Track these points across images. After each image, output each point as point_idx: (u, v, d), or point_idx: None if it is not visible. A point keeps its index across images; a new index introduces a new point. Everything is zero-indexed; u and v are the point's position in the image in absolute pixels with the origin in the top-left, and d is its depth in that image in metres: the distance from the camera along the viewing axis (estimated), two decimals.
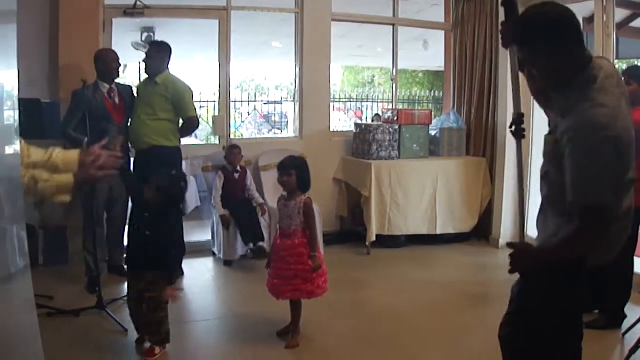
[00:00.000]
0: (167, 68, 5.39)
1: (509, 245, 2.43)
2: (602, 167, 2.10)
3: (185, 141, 5.82)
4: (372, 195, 6.23)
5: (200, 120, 5.74)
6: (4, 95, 2.00)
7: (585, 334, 2.73)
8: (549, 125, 2.44)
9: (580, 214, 2.16)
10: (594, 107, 2.12)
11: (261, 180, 6.41)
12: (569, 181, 2.17)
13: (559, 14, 2.21)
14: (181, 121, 5.48)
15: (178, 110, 5.41)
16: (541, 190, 2.47)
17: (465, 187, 6.64)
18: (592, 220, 2.14)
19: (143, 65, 5.44)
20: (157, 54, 5.36)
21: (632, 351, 3.55)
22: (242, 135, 13.02)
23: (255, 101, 14.44)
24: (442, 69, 8.07)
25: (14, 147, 2.00)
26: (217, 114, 6.86)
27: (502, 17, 2.54)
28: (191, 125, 5.57)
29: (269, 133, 14.22)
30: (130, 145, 5.39)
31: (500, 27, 2.51)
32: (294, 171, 3.95)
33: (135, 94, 5.47)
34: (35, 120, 4.42)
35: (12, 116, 2.04)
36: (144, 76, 5.50)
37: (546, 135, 2.40)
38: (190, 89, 5.48)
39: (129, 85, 5.58)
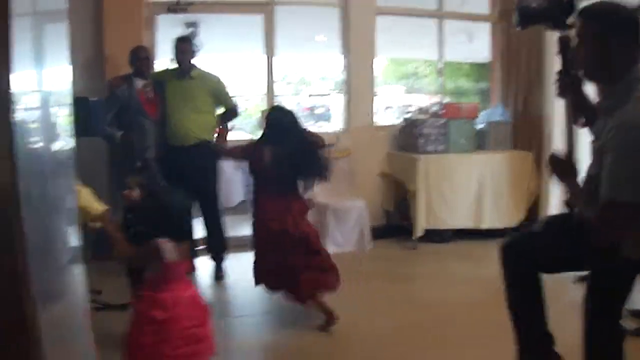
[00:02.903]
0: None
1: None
2: (637, 164, 2.11)
3: (231, 135, 5.82)
4: (418, 189, 6.18)
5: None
6: (53, 94, 2.02)
7: (629, 341, 2.71)
8: (593, 134, 2.47)
9: (601, 205, 2.20)
10: (638, 106, 2.17)
11: None
12: (603, 176, 2.19)
13: (628, 13, 2.30)
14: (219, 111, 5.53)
15: (221, 101, 5.49)
16: None
17: (511, 181, 6.51)
18: (610, 215, 2.18)
19: (174, 63, 5.37)
20: (187, 48, 5.32)
21: None
22: None
23: (299, 94, 14.44)
24: (487, 60, 7.94)
25: (69, 145, 2.02)
26: (264, 107, 6.86)
27: None
28: (234, 114, 5.66)
29: (313, 126, 14.20)
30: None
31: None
32: None
33: (167, 89, 5.35)
34: (83, 118, 4.50)
35: (67, 113, 2.07)
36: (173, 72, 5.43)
37: (592, 143, 2.43)
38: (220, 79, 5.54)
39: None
